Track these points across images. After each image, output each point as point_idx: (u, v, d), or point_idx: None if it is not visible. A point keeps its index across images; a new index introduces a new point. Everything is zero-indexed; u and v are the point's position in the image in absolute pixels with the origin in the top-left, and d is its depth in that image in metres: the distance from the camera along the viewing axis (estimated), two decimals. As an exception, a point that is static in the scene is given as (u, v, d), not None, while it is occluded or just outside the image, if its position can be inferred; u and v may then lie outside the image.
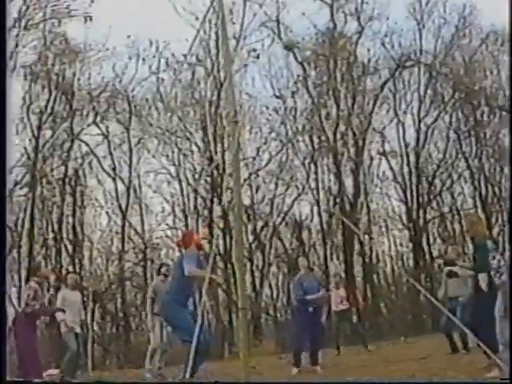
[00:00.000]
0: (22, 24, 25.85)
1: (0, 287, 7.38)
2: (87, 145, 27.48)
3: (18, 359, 9.79)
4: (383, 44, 28.70)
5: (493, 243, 11.28)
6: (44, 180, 26.46)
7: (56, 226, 26.02)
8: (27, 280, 10.70)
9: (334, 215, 26.94)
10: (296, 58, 28.37)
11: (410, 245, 28.58)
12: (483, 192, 29.22)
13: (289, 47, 9.03)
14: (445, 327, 12.24)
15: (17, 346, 9.93)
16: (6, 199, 7.37)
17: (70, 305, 12.65)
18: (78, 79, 27.52)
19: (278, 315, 27.82)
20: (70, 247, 26.22)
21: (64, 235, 26.23)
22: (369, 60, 28.96)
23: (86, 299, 18.29)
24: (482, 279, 8.80)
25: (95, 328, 24.10)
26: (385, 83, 28.87)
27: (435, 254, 28.71)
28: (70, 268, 24.84)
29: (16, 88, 26.40)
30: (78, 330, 12.42)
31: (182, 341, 8.53)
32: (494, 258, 10.78)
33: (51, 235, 25.94)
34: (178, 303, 8.52)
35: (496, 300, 8.78)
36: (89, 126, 27.49)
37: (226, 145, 27.00)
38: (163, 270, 13.20)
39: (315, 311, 11.77)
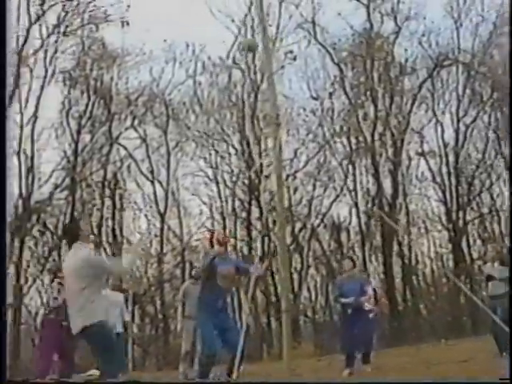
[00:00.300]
0: (61, 30, 26.20)
1: (0, 288, 7.42)
2: (125, 148, 27.75)
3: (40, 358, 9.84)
4: (420, 43, 28.41)
5: None
6: (83, 183, 26.78)
7: (96, 229, 26.23)
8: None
9: (373, 212, 26.72)
10: (332, 59, 28.31)
11: (450, 246, 28.26)
12: (524, 193, 28.81)
13: (250, 48, 8.84)
14: (492, 328, 12.03)
15: (41, 345, 10.01)
16: (6, 201, 7.35)
17: (111, 305, 12.77)
18: (116, 84, 27.86)
19: (317, 317, 27.73)
20: (109, 250, 26.43)
21: (103, 238, 26.51)
22: (406, 60, 28.70)
23: (126, 301, 18.37)
24: None
25: (135, 329, 24.33)
26: (423, 83, 28.58)
27: (475, 255, 28.43)
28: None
29: (55, 93, 26.88)
30: (119, 329, 12.47)
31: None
32: None
33: (91, 238, 26.16)
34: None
35: None
36: (127, 129, 27.77)
37: (263, 147, 27.13)
38: (193, 272, 13.26)
39: (357, 313, 11.68)
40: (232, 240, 9.27)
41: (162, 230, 26.92)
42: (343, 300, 11.66)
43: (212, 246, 8.95)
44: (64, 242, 24.87)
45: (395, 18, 28.26)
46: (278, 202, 7.15)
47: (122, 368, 7.38)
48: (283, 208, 7.31)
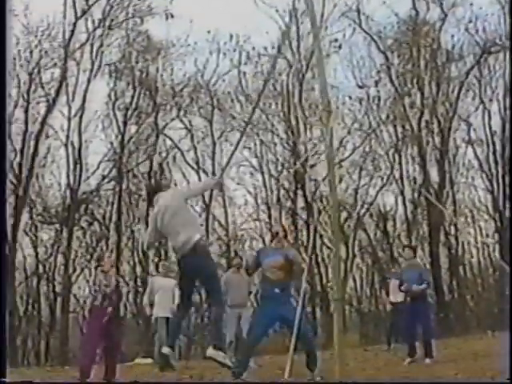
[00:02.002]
0: (106, 24, 26.50)
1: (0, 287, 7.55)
2: (171, 139, 27.99)
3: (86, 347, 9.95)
4: (467, 30, 27.93)
5: None
6: (130, 174, 27.07)
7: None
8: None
9: (421, 197, 26.51)
10: (378, 47, 28.08)
11: (497, 235, 27.89)
12: None
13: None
14: None
15: (88, 334, 10.13)
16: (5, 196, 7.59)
17: (162, 291, 12.90)
18: (161, 75, 28.04)
19: (362, 307, 27.67)
20: (157, 240, 26.61)
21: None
22: (453, 46, 28.27)
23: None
24: None
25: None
26: (470, 70, 28.17)
27: (522, 245, 28.04)
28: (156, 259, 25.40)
29: (101, 86, 27.23)
30: (169, 315, 12.61)
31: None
32: None
33: (137, 227, 26.45)
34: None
35: None
36: (172, 120, 27.95)
37: (308, 136, 27.11)
38: (235, 261, 13.33)
39: (417, 301, 11.70)
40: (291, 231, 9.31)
41: (207, 219, 27.06)
42: (402, 287, 11.79)
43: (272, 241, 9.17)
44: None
45: (441, 5, 27.86)
46: (330, 190, 7.08)
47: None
48: (335, 197, 7.25)
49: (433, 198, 21.79)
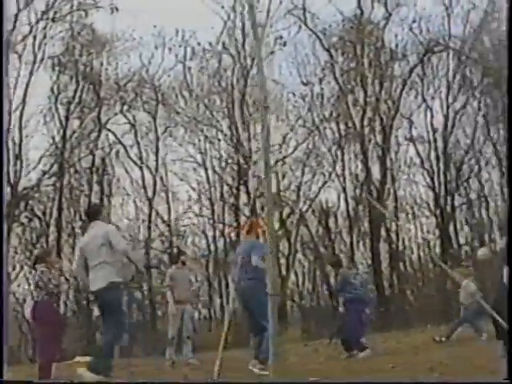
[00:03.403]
0: (50, 16, 26.17)
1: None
2: (114, 134, 27.77)
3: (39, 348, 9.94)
4: (411, 29, 28.33)
5: None
6: (72, 169, 26.84)
7: (83, 215, 26.30)
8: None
9: (362, 198, 26.84)
10: (323, 45, 28.29)
11: (437, 231, 28.41)
12: (512, 179, 28.85)
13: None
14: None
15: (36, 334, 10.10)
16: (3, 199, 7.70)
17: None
18: (106, 69, 27.80)
19: (304, 302, 27.92)
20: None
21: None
22: (396, 45, 28.65)
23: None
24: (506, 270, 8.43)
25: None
26: (413, 69, 28.59)
27: (462, 241, 28.62)
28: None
29: (44, 79, 26.86)
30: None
31: (256, 326, 8.86)
32: None
33: (79, 224, 26.23)
34: (261, 289, 8.71)
35: None
36: (116, 115, 27.75)
37: (252, 132, 27.21)
38: (183, 257, 13.36)
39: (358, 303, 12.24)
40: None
41: (149, 215, 27.03)
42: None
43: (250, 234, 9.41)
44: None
45: (385, 4, 28.20)
46: (266, 187, 7.17)
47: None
48: (271, 193, 7.34)
49: (374, 201, 22.08)
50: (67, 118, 26.78)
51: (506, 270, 8.47)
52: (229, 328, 8.54)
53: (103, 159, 27.42)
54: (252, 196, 25.82)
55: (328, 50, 28.39)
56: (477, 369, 7.96)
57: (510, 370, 5.53)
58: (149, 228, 26.91)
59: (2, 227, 7.44)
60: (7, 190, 25.18)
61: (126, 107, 27.77)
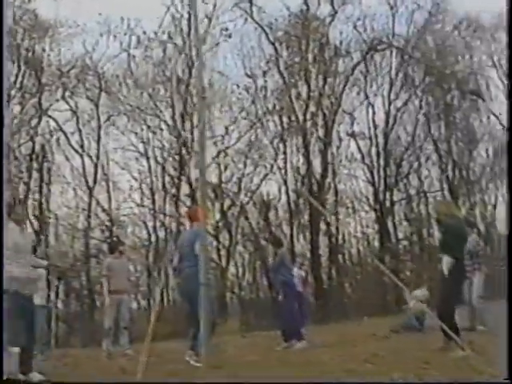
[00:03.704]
0: (-10, 0, 25.65)
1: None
2: (55, 121, 27.38)
3: None
4: (356, 27, 28.84)
5: (468, 223, 11.31)
6: (11, 156, 26.38)
7: (22, 203, 25.87)
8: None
9: (302, 192, 27.00)
10: (268, 38, 28.42)
11: (376, 226, 28.82)
12: (450, 175, 29.53)
13: None
14: None
15: None
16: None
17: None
18: (48, 55, 27.32)
19: (243, 294, 27.98)
20: (35, 223, 26.06)
21: (30, 211, 25.95)
22: (341, 42, 29.03)
23: (50, 276, 18.25)
24: (445, 263, 8.56)
25: (59, 305, 24.12)
26: (356, 65, 29.02)
27: (401, 235, 29.10)
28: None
29: (-16, 63, 26.30)
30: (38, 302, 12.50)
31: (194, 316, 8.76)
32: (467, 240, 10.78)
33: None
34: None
35: (462, 283, 8.90)
36: (57, 101, 27.35)
37: (195, 122, 27.13)
38: (120, 247, 13.22)
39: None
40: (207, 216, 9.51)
41: (89, 204, 26.72)
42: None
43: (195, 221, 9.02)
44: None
45: (332, 2, 28.54)
46: (200, 176, 7.13)
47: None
48: (206, 184, 7.31)
49: (313, 200, 22.24)
50: (7, 103, 26.29)
51: (444, 260, 8.64)
52: (157, 319, 8.48)
53: (43, 146, 26.97)
54: (193, 186, 25.78)
55: (273, 44, 28.56)
56: (413, 361, 8.13)
57: (510, 370, 5.61)
58: (88, 217, 26.59)
59: (2, 227, 7.27)
60: None
61: (68, 94, 27.40)
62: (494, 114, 29.92)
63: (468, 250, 10.66)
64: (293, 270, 12.74)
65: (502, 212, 29.76)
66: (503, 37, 29.16)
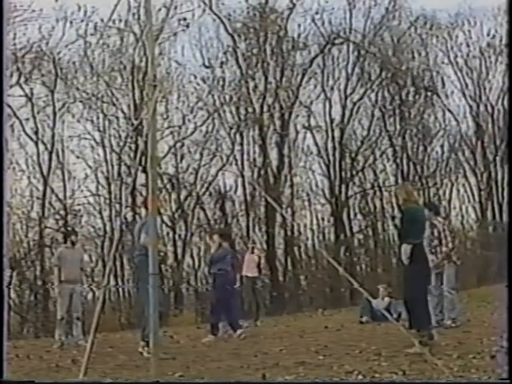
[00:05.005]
0: None
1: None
2: (10, 106, 26.75)
3: None
4: (314, 21, 28.88)
5: (429, 209, 11.17)
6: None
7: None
8: None
9: (257, 187, 27.07)
10: (226, 30, 28.38)
11: (332, 219, 29.04)
12: (405, 170, 29.93)
13: None
14: None
15: None
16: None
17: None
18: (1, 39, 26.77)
19: (199, 285, 27.89)
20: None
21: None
22: (299, 35, 29.06)
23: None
24: (403, 250, 8.51)
25: (12, 295, 23.76)
26: (314, 59, 29.13)
27: (355, 228, 29.38)
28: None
29: None
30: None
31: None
32: (431, 225, 10.72)
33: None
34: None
35: (424, 272, 8.82)
36: (12, 87, 26.77)
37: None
38: (72, 237, 13.11)
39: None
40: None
41: (44, 192, 26.26)
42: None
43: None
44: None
45: (290, -5, 28.60)
46: (150, 167, 7.08)
47: None
48: (155, 174, 7.25)
49: (267, 195, 22.35)
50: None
51: (402, 248, 8.59)
52: (102, 309, 8.44)
53: (-3, 132, 26.45)
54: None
55: (231, 35, 28.51)
56: (363, 353, 8.25)
57: (511, 370, 5.64)
58: (43, 206, 26.15)
59: (2, 226, 7.09)
60: None
61: (22, 79, 26.87)
62: (450, 110, 30.47)
63: (430, 234, 10.67)
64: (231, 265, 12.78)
65: (456, 207, 30.58)
66: (460, 35, 29.99)
